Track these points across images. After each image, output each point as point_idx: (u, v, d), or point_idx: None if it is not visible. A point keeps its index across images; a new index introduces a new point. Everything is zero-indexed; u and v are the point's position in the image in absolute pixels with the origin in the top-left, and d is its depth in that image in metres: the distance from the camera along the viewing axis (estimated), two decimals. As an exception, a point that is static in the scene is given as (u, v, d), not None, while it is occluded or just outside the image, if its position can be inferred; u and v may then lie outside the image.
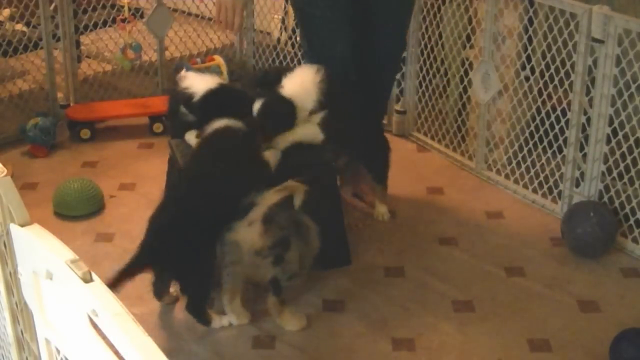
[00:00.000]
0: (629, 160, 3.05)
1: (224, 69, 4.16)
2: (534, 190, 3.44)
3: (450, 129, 3.83)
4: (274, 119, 2.85)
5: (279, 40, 4.60)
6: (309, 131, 2.89)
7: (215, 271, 2.66)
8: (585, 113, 3.15)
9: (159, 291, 2.80)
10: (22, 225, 1.40)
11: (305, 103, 2.89)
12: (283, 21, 4.64)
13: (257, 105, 2.86)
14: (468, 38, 3.75)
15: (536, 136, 3.41)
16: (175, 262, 2.62)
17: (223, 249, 2.61)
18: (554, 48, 3.22)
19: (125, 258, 2.99)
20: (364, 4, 3.11)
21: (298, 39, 4.40)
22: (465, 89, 3.72)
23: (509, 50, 3.41)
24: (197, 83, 2.96)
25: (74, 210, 3.32)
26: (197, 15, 4.61)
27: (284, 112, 2.86)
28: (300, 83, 2.90)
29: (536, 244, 3.18)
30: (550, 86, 3.31)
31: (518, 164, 3.51)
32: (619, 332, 2.57)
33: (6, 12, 4.16)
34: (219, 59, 4.21)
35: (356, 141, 3.13)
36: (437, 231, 3.26)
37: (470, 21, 3.68)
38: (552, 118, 3.31)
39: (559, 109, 3.29)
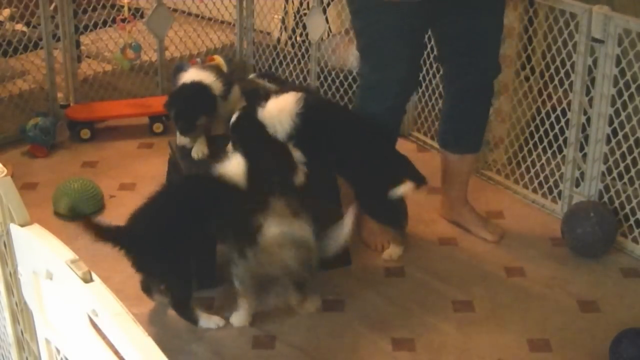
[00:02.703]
0: (629, 160, 3.05)
1: (224, 69, 4.15)
2: (534, 190, 3.44)
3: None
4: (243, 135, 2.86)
5: (279, 40, 4.60)
6: None
7: (217, 271, 2.66)
8: (585, 113, 3.15)
9: (147, 288, 2.80)
10: (22, 225, 1.40)
11: (278, 129, 2.85)
12: (283, 21, 4.63)
13: (232, 118, 2.89)
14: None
15: (536, 136, 3.41)
16: (154, 261, 2.65)
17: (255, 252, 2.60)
18: (554, 48, 3.22)
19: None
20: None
21: (298, 39, 4.40)
22: (465, 89, 3.71)
23: (509, 50, 3.40)
24: (184, 79, 3.02)
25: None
26: (197, 15, 4.60)
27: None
28: (279, 109, 2.84)
29: (536, 244, 3.18)
30: (550, 86, 3.31)
31: (518, 164, 3.51)
32: (619, 332, 2.57)
33: (6, 12, 4.16)
34: (219, 59, 4.21)
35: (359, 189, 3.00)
36: (437, 231, 3.26)
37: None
38: (552, 118, 3.31)
39: (559, 109, 3.29)
